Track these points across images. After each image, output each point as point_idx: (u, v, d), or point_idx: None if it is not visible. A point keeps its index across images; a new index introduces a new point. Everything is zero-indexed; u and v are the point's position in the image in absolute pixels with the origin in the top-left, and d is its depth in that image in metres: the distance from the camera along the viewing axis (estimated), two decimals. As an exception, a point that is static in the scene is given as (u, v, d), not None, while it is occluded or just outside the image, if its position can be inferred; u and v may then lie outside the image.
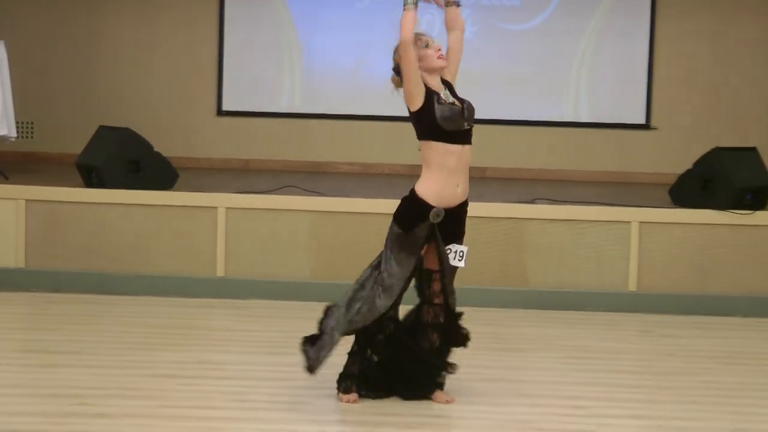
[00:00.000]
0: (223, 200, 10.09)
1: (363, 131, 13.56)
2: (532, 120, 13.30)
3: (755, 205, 10.06)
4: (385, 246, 6.62)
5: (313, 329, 8.33)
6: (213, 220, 10.03)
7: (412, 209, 6.52)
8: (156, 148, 10.64)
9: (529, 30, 13.45)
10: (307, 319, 9.10)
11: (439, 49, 6.55)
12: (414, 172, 13.26)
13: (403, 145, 13.26)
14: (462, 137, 6.45)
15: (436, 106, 6.44)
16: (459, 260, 6.52)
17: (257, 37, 13.63)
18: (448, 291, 6.63)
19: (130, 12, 13.61)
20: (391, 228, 6.62)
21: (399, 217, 6.58)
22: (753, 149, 10.57)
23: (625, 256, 9.97)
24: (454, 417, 6.57)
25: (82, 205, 10.09)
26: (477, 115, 6.62)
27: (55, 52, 13.49)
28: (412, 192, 6.55)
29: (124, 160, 10.32)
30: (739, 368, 8.05)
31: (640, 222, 9.99)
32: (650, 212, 10.09)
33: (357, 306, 6.54)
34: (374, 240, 9.89)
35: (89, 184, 10.34)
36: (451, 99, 6.48)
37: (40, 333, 8.65)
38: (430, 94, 6.48)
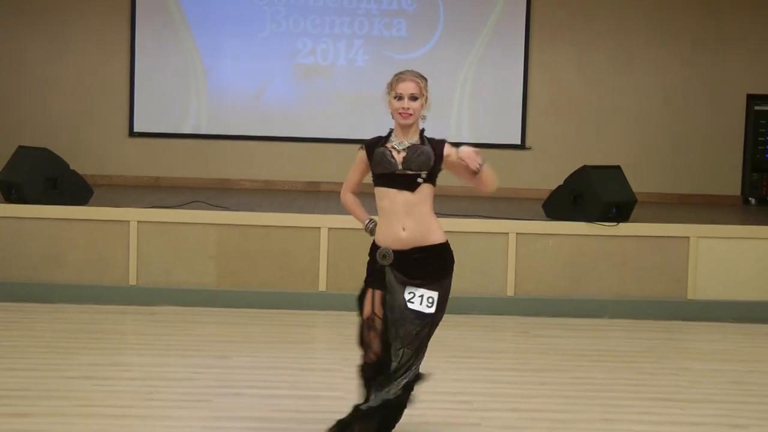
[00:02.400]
0: (134, 214, 9.98)
1: (264, 151, 13.53)
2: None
3: (620, 218, 10.17)
4: None
5: (217, 333, 8.27)
6: (125, 232, 9.91)
7: (371, 250, 5.86)
8: (72, 167, 10.51)
9: (416, 59, 13.50)
10: (213, 323, 9.10)
11: (410, 99, 5.64)
12: (310, 189, 13.35)
13: (301, 163, 13.28)
14: (396, 182, 5.71)
15: (375, 150, 5.77)
16: (426, 306, 5.66)
17: (165, 63, 13.55)
18: (392, 340, 5.68)
19: (44, 40, 13.44)
20: None
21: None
22: (617, 167, 10.69)
23: (503, 264, 10.02)
24: (340, 413, 6.55)
25: (2, 219, 9.92)
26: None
27: (-25, 77, 13.33)
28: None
29: (42, 177, 10.19)
30: (607, 365, 8.13)
31: (517, 233, 10.05)
32: (526, 224, 10.16)
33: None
34: (276, 250, 9.89)
35: (9, 199, 10.20)
36: (403, 146, 5.70)
37: (-38, 339, 8.48)
38: (375, 144, 5.78)
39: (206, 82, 13.60)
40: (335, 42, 13.61)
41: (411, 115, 5.66)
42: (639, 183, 11.56)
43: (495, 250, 10.02)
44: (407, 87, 5.65)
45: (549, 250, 10.07)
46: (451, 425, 6.45)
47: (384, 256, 5.68)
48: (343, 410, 6.56)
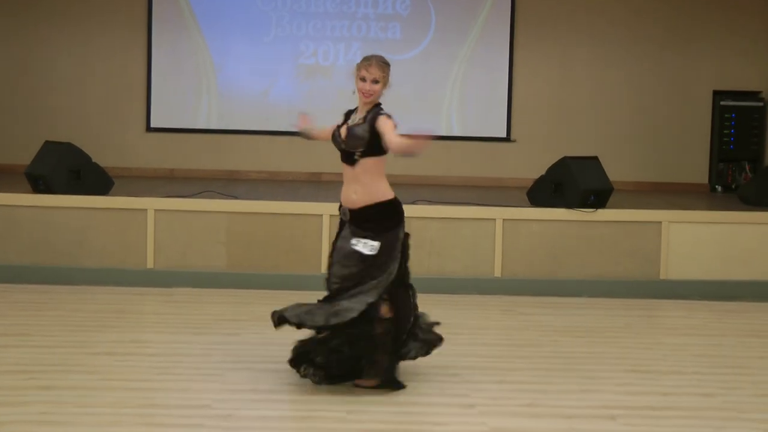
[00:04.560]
0: (151, 203, 9.99)
1: (270, 144, 13.53)
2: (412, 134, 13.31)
3: (597, 205, 10.19)
4: None
5: (229, 312, 8.28)
6: (144, 220, 9.92)
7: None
8: (94, 160, 10.51)
9: (410, 59, 13.50)
10: (224, 303, 9.11)
11: (372, 82, 6.39)
12: (312, 179, 13.35)
13: (304, 155, 13.28)
14: (345, 157, 6.43)
15: (337, 128, 6.54)
16: (367, 249, 6.27)
17: (179, 64, 13.55)
18: (333, 277, 6.43)
19: (70, 45, 13.43)
20: None
21: None
22: (595, 158, 10.69)
23: (491, 247, 10.03)
24: (342, 384, 6.56)
25: (32, 209, 9.93)
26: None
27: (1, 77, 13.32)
28: None
29: (66, 169, 10.19)
30: (585, 340, 8.14)
31: (504, 219, 10.06)
32: (512, 211, 10.16)
33: None
34: (281, 236, 9.90)
35: (37, 190, 10.20)
36: (352, 124, 6.42)
37: (-6, 318, 8.50)
38: (345, 119, 6.57)
39: (217, 82, 13.59)
40: (335, 44, 13.60)
41: (371, 95, 6.37)
42: (615, 172, 11.56)
43: (483, 235, 10.03)
44: (371, 72, 6.39)
45: (533, 235, 10.08)
46: (441, 396, 6.45)
47: (344, 213, 6.43)
48: (344, 382, 6.59)
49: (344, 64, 13.53)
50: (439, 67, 13.66)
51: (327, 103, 13.61)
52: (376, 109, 6.40)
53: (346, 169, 6.42)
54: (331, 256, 6.53)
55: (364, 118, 6.38)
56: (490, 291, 9.92)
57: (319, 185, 12.57)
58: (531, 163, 12.76)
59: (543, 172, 10.68)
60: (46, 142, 10.75)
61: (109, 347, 7.39)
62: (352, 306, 6.27)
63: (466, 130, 13.65)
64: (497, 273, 10.04)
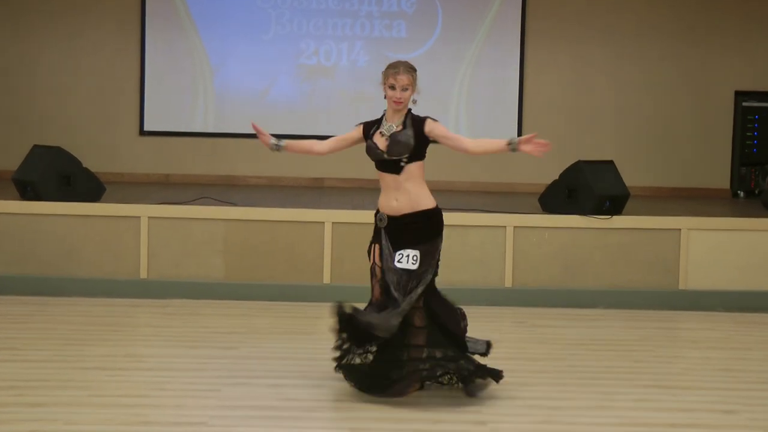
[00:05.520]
0: (145, 210, 9.97)
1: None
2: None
3: (613, 211, 10.16)
4: None
5: (226, 325, 8.28)
6: (137, 228, 9.91)
7: (375, 214, 6.74)
8: (85, 165, 10.50)
9: (415, 58, 13.41)
10: (222, 315, 9.09)
11: (402, 89, 6.58)
12: (314, 185, 13.33)
13: (305, 160, 13.26)
14: (386, 166, 6.60)
15: (367, 141, 6.69)
16: (410, 264, 6.57)
17: (174, 64, 13.55)
18: (388, 287, 6.61)
19: (58, 43, 13.44)
20: None
21: None
22: (610, 162, 10.68)
23: (501, 256, 10.01)
24: (344, 401, 6.54)
25: (19, 216, 9.91)
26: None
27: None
28: None
29: (56, 175, 10.18)
30: (601, 353, 8.11)
31: (515, 226, 10.04)
32: (523, 218, 10.14)
33: None
34: (281, 245, 9.88)
35: (25, 197, 10.19)
36: (390, 131, 6.60)
37: (-20, 332, 8.47)
38: (368, 130, 6.72)
39: (213, 83, 13.60)
40: (338, 43, 13.59)
41: (402, 103, 6.59)
42: (632, 177, 11.55)
43: (493, 243, 10.01)
44: (400, 79, 6.56)
45: (545, 243, 10.06)
46: (451, 412, 6.43)
47: (381, 220, 6.64)
48: (347, 398, 6.57)
49: (347, 64, 13.53)
50: (446, 67, 13.65)
51: (329, 104, 13.65)
52: (412, 115, 6.67)
53: (386, 177, 6.62)
54: (378, 266, 6.67)
55: (403, 124, 6.62)
56: (500, 302, 9.89)
57: (322, 191, 12.56)
58: (543, 168, 12.72)
59: (556, 177, 10.67)
60: (35, 147, 10.73)
61: (101, 362, 7.37)
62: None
63: (474, 133, 13.63)
64: (508, 283, 10.01)
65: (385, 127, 6.63)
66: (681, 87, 13.69)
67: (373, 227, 6.74)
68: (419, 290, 6.54)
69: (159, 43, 13.52)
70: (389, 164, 6.58)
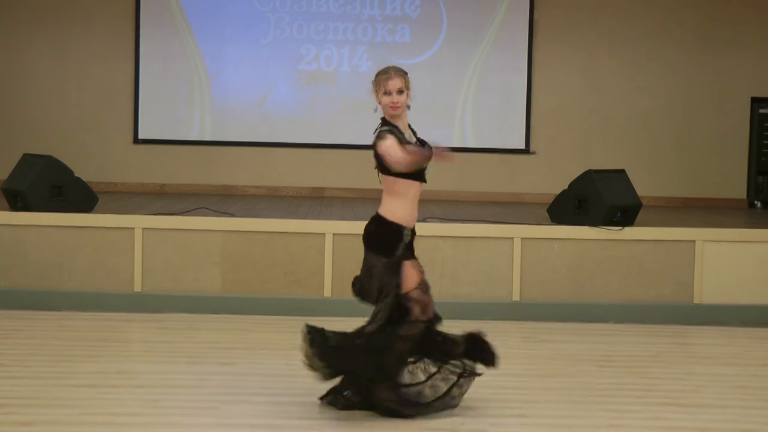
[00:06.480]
0: (139, 221, 9.96)
1: (268, 157, 13.53)
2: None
3: (625, 222, 10.15)
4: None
5: (223, 340, 8.25)
6: (130, 239, 9.90)
7: (389, 233, 6.48)
8: (77, 174, 10.49)
9: (419, 64, 13.49)
10: (219, 330, 9.07)
11: (397, 93, 6.56)
12: (314, 194, 13.33)
13: (305, 169, 13.26)
14: (420, 175, 6.47)
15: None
16: None
17: (169, 70, 13.56)
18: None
19: (49, 49, 13.45)
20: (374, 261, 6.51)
21: (377, 246, 6.49)
22: (622, 171, 10.66)
23: (508, 269, 9.99)
24: (344, 419, 6.52)
25: (8, 227, 9.91)
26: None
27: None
28: (381, 218, 6.49)
29: (47, 185, 10.17)
30: (613, 370, 8.09)
31: (522, 238, 10.02)
32: (531, 229, 10.12)
33: None
34: (280, 257, 9.86)
35: (15, 207, 10.18)
36: (413, 140, 6.59)
37: (-33, 347, 8.46)
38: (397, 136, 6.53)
39: (210, 89, 13.60)
40: (339, 48, 13.59)
41: (399, 107, 6.55)
42: (644, 187, 11.54)
43: (500, 255, 9.99)
44: (394, 83, 6.57)
45: (554, 255, 10.04)
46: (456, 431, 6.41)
47: (408, 234, 6.48)
48: (346, 416, 6.54)
49: (348, 70, 13.53)
50: (451, 72, 13.65)
51: (329, 111, 13.64)
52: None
53: (417, 187, 6.49)
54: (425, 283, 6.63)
55: (414, 133, 6.66)
56: (507, 316, 9.87)
57: (322, 201, 12.55)
58: (552, 177, 12.74)
59: (565, 187, 10.65)
60: (25, 155, 10.73)
61: (92, 379, 7.35)
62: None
63: (480, 141, 13.63)
64: (515, 297, 9.99)
65: (407, 136, 6.56)
66: (695, 93, 13.68)
67: (395, 244, 6.44)
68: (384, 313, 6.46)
69: (153, 47, 13.53)
70: (422, 173, 6.47)
